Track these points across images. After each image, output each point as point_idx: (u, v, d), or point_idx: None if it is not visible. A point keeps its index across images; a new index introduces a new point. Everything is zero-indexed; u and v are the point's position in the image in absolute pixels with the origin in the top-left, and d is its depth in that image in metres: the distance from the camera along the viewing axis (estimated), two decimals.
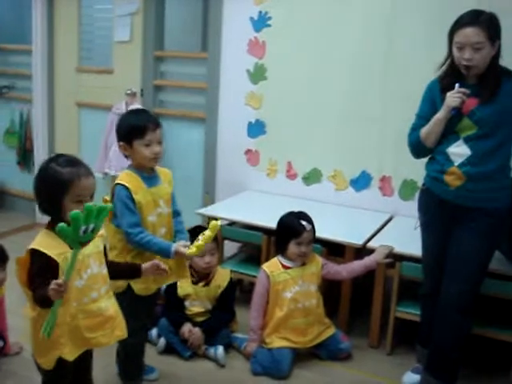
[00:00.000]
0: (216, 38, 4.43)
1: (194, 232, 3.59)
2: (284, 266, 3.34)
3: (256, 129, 4.37)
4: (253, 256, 4.02)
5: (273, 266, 3.36)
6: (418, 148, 2.92)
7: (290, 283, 3.30)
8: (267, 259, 3.56)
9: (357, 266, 3.39)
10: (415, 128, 2.92)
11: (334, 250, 3.62)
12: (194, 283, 3.42)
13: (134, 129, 2.62)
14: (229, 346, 3.39)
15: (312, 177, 4.24)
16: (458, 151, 2.74)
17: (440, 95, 2.79)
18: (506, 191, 2.80)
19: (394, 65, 3.82)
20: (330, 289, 3.61)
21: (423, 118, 2.87)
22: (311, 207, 3.66)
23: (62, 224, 1.85)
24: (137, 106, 4.63)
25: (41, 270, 1.99)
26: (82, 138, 5.35)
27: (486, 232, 2.78)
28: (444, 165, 2.79)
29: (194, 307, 3.42)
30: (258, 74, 4.29)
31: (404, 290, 3.42)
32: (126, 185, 2.61)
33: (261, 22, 4.21)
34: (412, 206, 3.78)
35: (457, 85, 2.70)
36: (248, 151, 4.45)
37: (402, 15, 3.76)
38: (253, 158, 4.44)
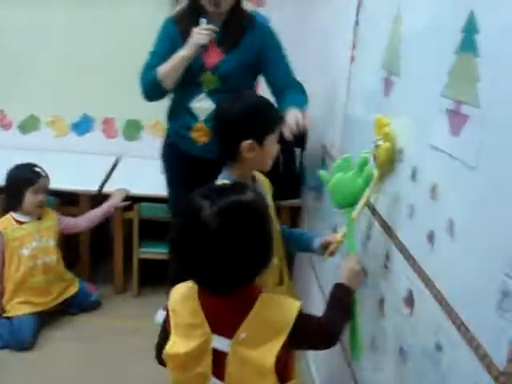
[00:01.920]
0: None
1: None
2: (18, 222, 3.11)
3: None
4: None
5: (6, 223, 3.11)
6: (153, 88, 2.70)
7: (26, 239, 3.09)
8: None
9: (95, 214, 3.31)
10: (151, 67, 2.70)
11: (67, 201, 3.48)
12: None
13: (272, 120, 1.98)
14: None
15: (28, 124, 3.95)
16: (202, 105, 2.69)
17: (180, 36, 2.66)
18: None
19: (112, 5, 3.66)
20: (67, 239, 3.46)
21: (161, 56, 2.67)
22: (32, 157, 3.31)
23: None
24: None
25: None
26: None
27: None
28: (189, 121, 2.73)
29: None
30: None
31: (144, 231, 3.43)
32: None
33: None
34: (138, 147, 3.84)
35: (204, 20, 2.58)
36: None
37: None
38: None
